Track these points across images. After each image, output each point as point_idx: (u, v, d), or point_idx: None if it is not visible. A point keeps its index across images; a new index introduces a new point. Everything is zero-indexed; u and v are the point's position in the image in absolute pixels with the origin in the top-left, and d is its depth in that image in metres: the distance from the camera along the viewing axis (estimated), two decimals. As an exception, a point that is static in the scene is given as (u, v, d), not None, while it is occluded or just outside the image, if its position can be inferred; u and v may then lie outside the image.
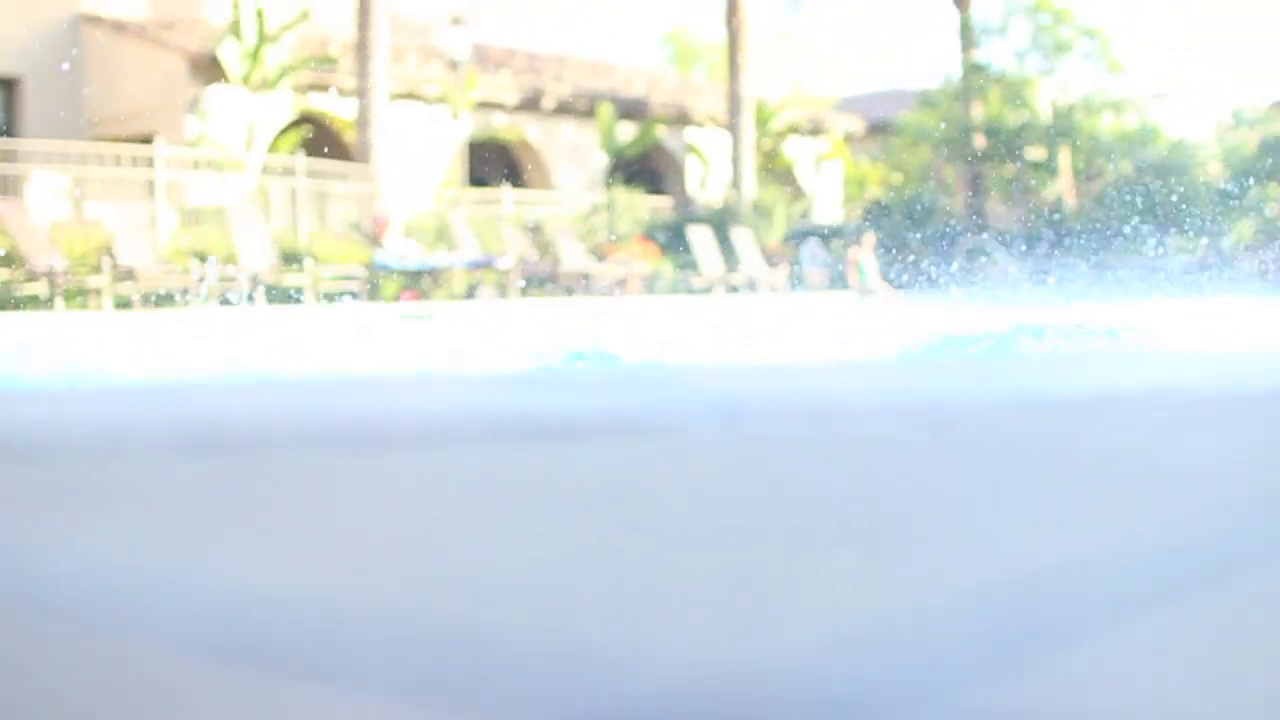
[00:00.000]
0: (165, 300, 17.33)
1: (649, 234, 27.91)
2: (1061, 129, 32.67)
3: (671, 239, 27.65)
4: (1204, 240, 28.74)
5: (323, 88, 27.39)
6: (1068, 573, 0.96)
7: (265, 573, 0.87)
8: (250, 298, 17.83)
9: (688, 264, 25.52)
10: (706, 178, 35.09)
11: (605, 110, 32.05)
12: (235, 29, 24.71)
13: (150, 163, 21.64)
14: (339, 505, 0.91)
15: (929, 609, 0.91)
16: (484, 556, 0.89)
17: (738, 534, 0.95)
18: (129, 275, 16.98)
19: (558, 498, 0.94)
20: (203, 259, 18.46)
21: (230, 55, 24.65)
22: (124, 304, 16.95)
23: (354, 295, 19.20)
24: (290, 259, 19.46)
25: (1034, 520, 1.01)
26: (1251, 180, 29.28)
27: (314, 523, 0.90)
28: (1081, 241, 30.86)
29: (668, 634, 0.86)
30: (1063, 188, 34.25)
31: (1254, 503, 1.06)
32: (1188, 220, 29.90)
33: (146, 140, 22.87)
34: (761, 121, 34.65)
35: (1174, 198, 30.28)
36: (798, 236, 29.95)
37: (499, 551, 0.90)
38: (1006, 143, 33.14)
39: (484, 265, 21.17)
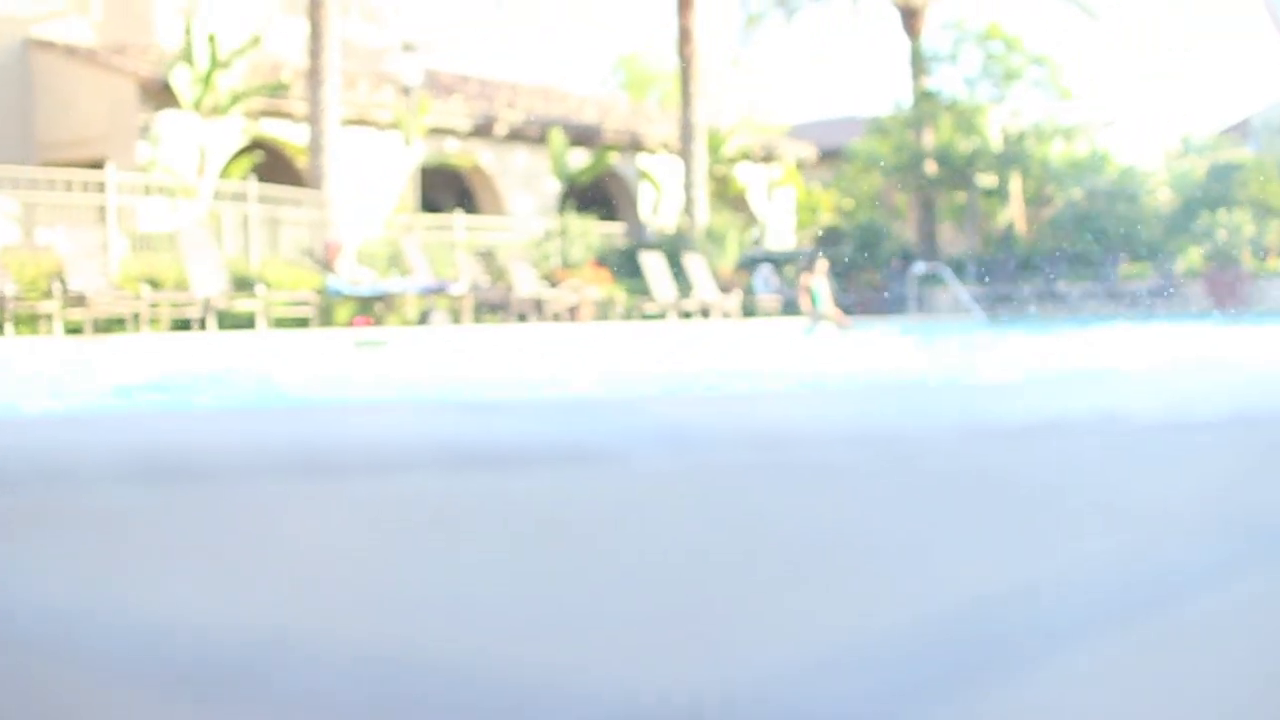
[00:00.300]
0: (117, 326, 17.25)
1: (601, 260, 27.93)
2: (1012, 156, 32.83)
3: (624, 265, 27.67)
4: (1154, 266, 28.90)
5: (275, 113, 27.35)
6: (1020, 599, 0.96)
7: (215, 601, 0.87)
8: (202, 324, 17.77)
9: (640, 290, 25.54)
10: (659, 204, 35.12)
11: (557, 136, 32.05)
12: (187, 54, 24.63)
13: (101, 188, 21.53)
14: (288, 533, 0.91)
15: (879, 636, 0.91)
16: (434, 585, 0.89)
17: (687, 562, 0.95)
18: (80, 301, 16.89)
19: (507, 526, 0.94)
20: (154, 285, 18.39)
21: (182, 80, 24.57)
22: (75, 330, 16.85)
23: (306, 321, 19.16)
24: (242, 285, 19.39)
25: (985, 547, 1.02)
26: (1201, 206, 29.46)
27: (263, 551, 0.90)
28: (1032, 267, 31.00)
29: (617, 663, 0.86)
30: (1013, 214, 34.40)
31: (1204, 528, 1.07)
32: (1138, 246, 30.07)
33: (98, 165, 22.77)
34: (714, 148, 34.72)
35: (1124, 224, 30.47)
36: (750, 262, 30.01)
37: (449, 580, 0.90)
38: (958, 169, 33.28)
39: (437, 291, 21.14)
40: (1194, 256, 28.51)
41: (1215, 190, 29.92)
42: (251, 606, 0.87)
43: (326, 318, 19.82)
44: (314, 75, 23.90)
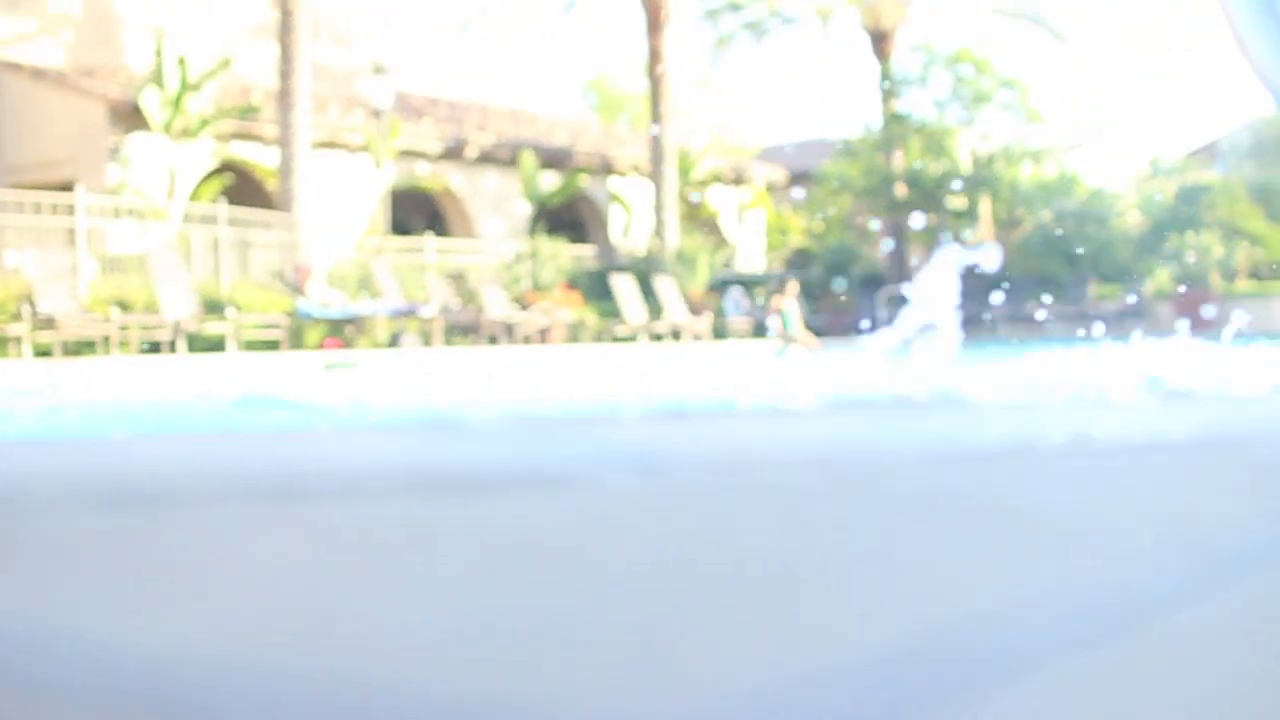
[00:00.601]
0: (86, 349, 17.20)
1: (572, 282, 27.95)
2: (981, 178, 32.89)
3: (595, 287, 27.69)
4: (1123, 287, 29.00)
5: (245, 136, 27.29)
6: (987, 622, 0.97)
7: (182, 627, 0.87)
8: (173, 346, 17.73)
9: (611, 312, 25.55)
10: (630, 226, 35.13)
11: (528, 159, 32.06)
12: (157, 77, 24.58)
13: (71, 210, 21.48)
14: (254, 559, 0.91)
15: (848, 658, 0.91)
16: (405, 609, 0.89)
17: (658, 585, 0.95)
18: (49, 324, 16.83)
19: (478, 550, 0.94)
20: (124, 307, 18.35)
21: (151, 103, 24.51)
22: (44, 352, 16.80)
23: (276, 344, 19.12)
24: (212, 308, 19.35)
25: (953, 569, 1.02)
26: (1169, 228, 29.58)
27: (231, 577, 0.90)
28: (1002, 289, 31.08)
29: (588, 685, 0.86)
30: (983, 236, 34.47)
31: (1168, 550, 1.07)
32: (1108, 268, 30.18)
33: (67, 188, 22.70)
34: (684, 170, 34.75)
35: (1093, 246, 30.57)
36: (721, 285, 30.03)
37: (420, 604, 0.90)
38: (927, 192, 33.34)
39: (407, 313, 21.11)
40: (1163, 278, 28.61)
41: (1184, 212, 30.04)
42: (219, 632, 0.87)
43: (297, 340, 19.78)
44: (284, 98, 23.88)
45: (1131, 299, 28.20)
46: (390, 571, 0.91)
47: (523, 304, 24.96)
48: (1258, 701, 0.98)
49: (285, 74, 23.87)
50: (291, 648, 0.86)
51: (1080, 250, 30.61)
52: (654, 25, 30.40)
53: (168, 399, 11.20)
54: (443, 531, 0.95)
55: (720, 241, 36.80)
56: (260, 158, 27.49)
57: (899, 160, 33.90)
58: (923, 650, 0.92)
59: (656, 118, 30.38)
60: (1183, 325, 26.95)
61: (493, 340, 22.64)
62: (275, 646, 0.86)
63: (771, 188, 39.80)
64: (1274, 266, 29.57)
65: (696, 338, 25.29)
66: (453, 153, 31.64)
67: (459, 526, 0.95)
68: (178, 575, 0.89)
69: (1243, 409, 1.63)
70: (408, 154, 30.34)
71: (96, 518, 0.91)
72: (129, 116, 25.19)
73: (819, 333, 26.66)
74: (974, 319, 29.42)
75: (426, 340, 21.30)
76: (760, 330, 26.22)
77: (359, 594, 0.90)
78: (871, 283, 32.05)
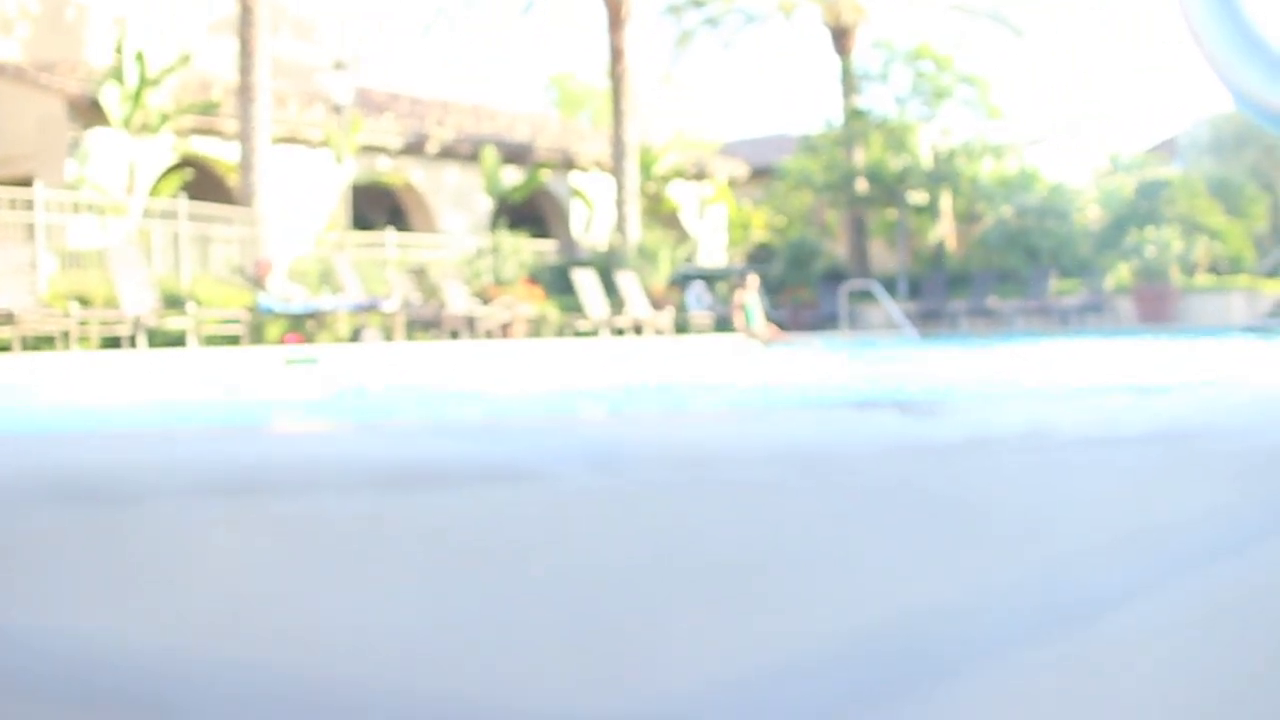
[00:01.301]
0: (45, 344, 17.12)
1: (534, 277, 27.95)
2: (942, 173, 33.01)
3: (556, 282, 27.71)
4: (1084, 282, 29.14)
5: (205, 131, 27.22)
6: (945, 616, 0.97)
7: (129, 624, 0.86)
8: (133, 342, 17.67)
9: (573, 307, 25.57)
10: (591, 221, 35.14)
11: (489, 154, 32.04)
12: (116, 72, 24.48)
13: (29, 205, 21.38)
14: (209, 556, 0.90)
15: (806, 653, 0.92)
16: (358, 607, 0.89)
17: (616, 581, 0.95)
18: (8, 319, 16.74)
19: (433, 546, 0.94)
20: (84, 303, 18.28)
21: (111, 98, 24.41)
22: (3, 348, 16.71)
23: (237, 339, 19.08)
24: (173, 303, 19.30)
25: (911, 564, 1.03)
26: (1129, 223, 29.71)
27: (183, 573, 0.89)
28: (963, 283, 31.21)
29: (545, 684, 0.86)
30: (944, 231, 34.59)
31: (1125, 544, 1.08)
32: (1068, 262, 30.32)
33: (26, 183, 22.61)
34: (646, 165, 34.79)
35: (1054, 241, 30.70)
36: (683, 279, 30.09)
37: (374, 602, 0.90)
38: (888, 187, 33.44)
39: (368, 308, 21.08)
40: (1123, 273, 28.74)
41: (1143, 207, 30.18)
42: (173, 630, 0.86)
43: (257, 335, 19.73)
44: (244, 93, 23.82)
45: (1092, 293, 28.32)
46: (347, 567, 0.91)
47: (484, 299, 24.95)
48: (1212, 695, 0.99)
49: (245, 69, 23.81)
50: (247, 644, 0.86)
51: (1041, 245, 30.74)
52: (615, 22, 30.41)
53: (127, 394, 11.16)
54: (400, 527, 0.94)
55: (682, 236, 36.84)
56: (221, 153, 27.41)
57: (860, 156, 33.99)
58: (881, 644, 0.93)
59: (618, 113, 30.39)
60: (1142, 319, 27.14)
61: (454, 335, 22.63)
62: (230, 643, 0.86)
63: (733, 183, 39.84)
64: (1232, 261, 29.74)
65: (658, 332, 25.32)
66: (414, 148, 31.60)
67: (416, 522, 0.95)
68: (131, 572, 0.88)
69: (1200, 402, 1.64)
70: (369, 149, 30.30)
71: (49, 513, 0.90)
72: (88, 111, 25.09)
73: (780, 327, 26.72)
74: (935, 313, 29.55)
75: (388, 335, 21.27)
76: (723, 325, 26.27)
77: (314, 589, 0.90)
78: (833, 278, 32.14)
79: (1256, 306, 27.30)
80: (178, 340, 18.35)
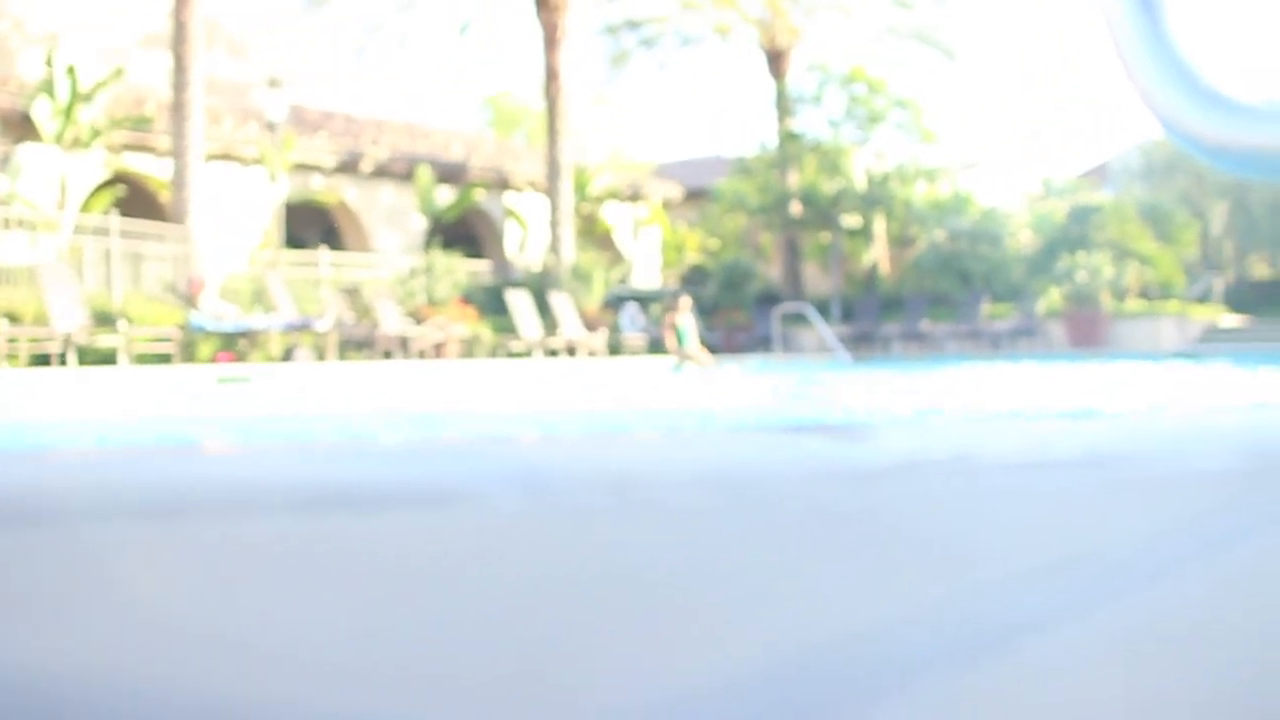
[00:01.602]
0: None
1: (467, 297, 27.92)
2: (876, 197, 33.15)
3: (490, 302, 27.69)
4: (1016, 306, 29.30)
5: (138, 147, 27.09)
6: (869, 640, 0.97)
7: (51, 648, 0.86)
8: (63, 359, 17.55)
9: (506, 328, 25.55)
10: (525, 241, 35.15)
11: (424, 173, 32.01)
12: (48, 86, 24.33)
13: (-41, 221, 21.25)
14: (133, 578, 0.90)
15: (730, 677, 0.92)
16: (284, 630, 0.89)
17: (544, 603, 0.95)
18: (-65, 336, 16.64)
19: (361, 569, 0.93)
20: (13, 319, 18.15)
21: (42, 113, 24.26)
22: (-70, 365, 16.59)
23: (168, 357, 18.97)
24: (104, 320, 19.18)
25: (837, 588, 1.03)
26: (1061, 248, 29.91)
27: (110, 596, 0.89)
28: (896, 307, 31.35)
29: (469, 706, 0.86)
30: (878, 254, 34.75)
31: (1051, 568, 1.08)
32: (1000, 286, 30.50)
33: (-45, 198, 22.47)
34: (580, 186, 34.85)
35: (986, 265, 30.89)
36: (616, 301, 30.11)
37: (302, 627, 0.89)
38: (822, 209, 33.56)
39: (301, 327, 21.00)
40: (1055, 297, 28.92)
41: (1075, 232, 30.39)
42: (95, 654, 0.86)
43: (189, 354, 19.64)
44: (177, 109, 23.72)
45: (1024, 317, 28.48)
46: (276, 589, 0.91)
47: (418, 319, 24.90)
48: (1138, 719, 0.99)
49: (179, 85, 23.71)
50: (176, 666, 0.85)
51: (974, 269, 30.92)
52: (550, 41, 30.43)
53: (56, 412, 11.08)
54: (329, 549, 0.94)
55: (616, 257, 36.91)
56: (153, 169, 27.29)
57: (794, 178, 34.12)
58: (807, 667, 0.93)
59: (553, 133, 30.40)
60: (1073, 343, 27.32)
61: (387, 355, 22.57)
62: (159, 665, 0.85)
63: (668, 204, 39.94)
64: (1162, 286, 29.97)
65: (591, 354, 25.32)
66: (348, 166, 31.55)
67: (346, 544, 0.95)
68: (52, 595, 0.88)
69: (1129, 427, 1.65)
70: (302, 167, 30.23)
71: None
72: (19, 126, 24.94)
73: (714, 349, 26.76)
74: (868, 336, 29.67)
75: (320, 355, 21.20)
76: (656, 346, 26.29)
77: (242, 612, 0.89)
78: (767, 300, 32.23)
79: (1186, 332, 27.51)
80: (109, 358, 18.24)
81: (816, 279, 36.77)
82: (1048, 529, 1.13)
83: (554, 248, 30.16)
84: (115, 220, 23.27)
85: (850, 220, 33.96)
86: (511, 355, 24.49)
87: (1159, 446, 1.41)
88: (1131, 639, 1.03)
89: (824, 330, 27.54)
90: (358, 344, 22.43)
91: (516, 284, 28.96)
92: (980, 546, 1.09)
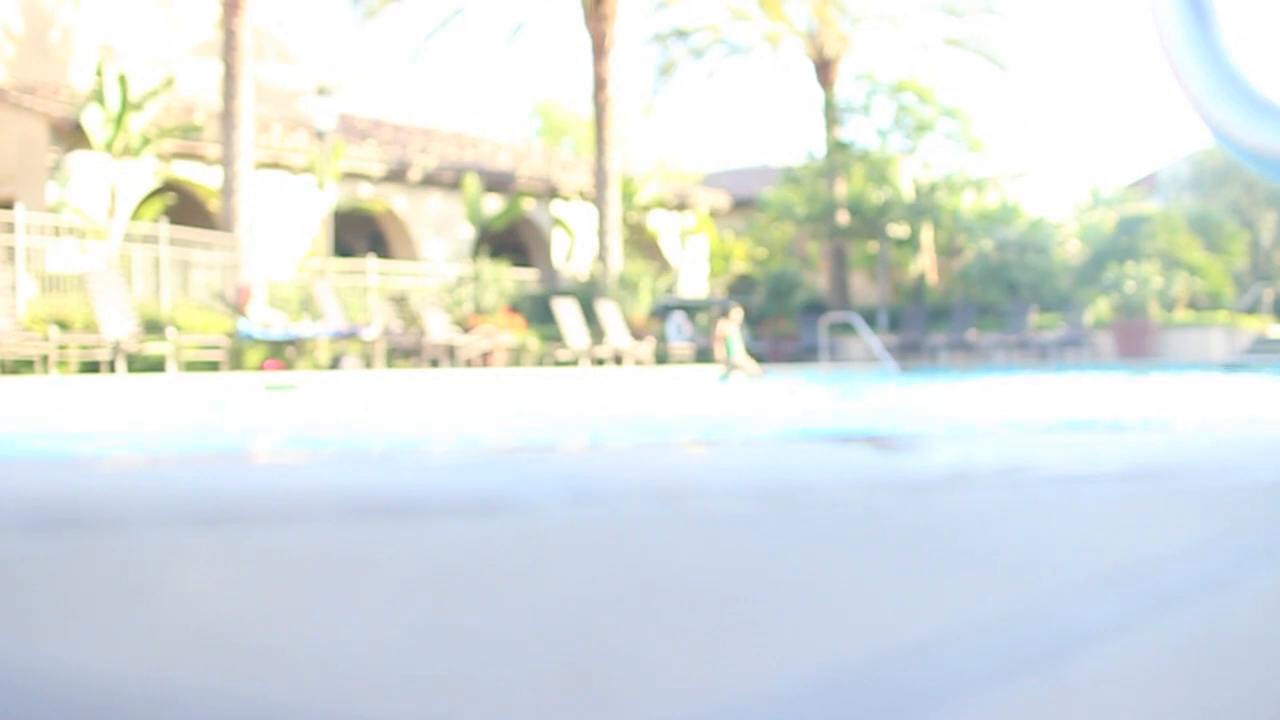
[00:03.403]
0: (24, 368, 17.07)
1: (515, 306, 27.95)
2: (923, 206, 33.05)
3: (537, 311, 27.71)
4: (1064, 316, 29.17)
5: (187, 155, 27.18)
6: (920, 651, 0.97)
7: (108, 656, 0.86)
8: (112, 366, 17.62)
9: (553, 336, 25.57)
10: (573, 250, 35.15)
11: (472, 182, 32.03)
12: (99, 95, 24.43)
13: (10, 228, 21.33)
14: (185, 585, 0.90)
15: (780, 689, 0.91)
16: (338, 639, 0.89)
17: (593, 614, 0.95)
18: (-13, 342, 16.72)
19: (414, 578, 0.93)
20: (63, 326, 18.23)
21: (93, 121, 24.36)
22: (-18, 371, 16.68)
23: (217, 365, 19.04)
24: (153, 327, 19.26)
25: (888, 599, 1.02)
26: (1109, 258, 29.78)
27: (160, 603, 0.89)
28: (943, 317, 31.25)
29: (517, 714, 0.86)
30: (925, 264, 34.65)
31: (1102, 581, 1.08)
32: (1048, 297, 30.36)
33: (7, 206, 22.58)
34: (628, 195, 34.82)
35: (1034, 275, 30.76)
36: (663, 310, 30.07)
37: (353, 634, 0.89)
38: (869, 219, 33.48)
39: (349, 335, 21.06)
40: (1103, 307, 28.78)
41: (1123, 242, 30.26)
42: (146, 662, 0.86)
43: (237, 361, 19.71)
44: (227, 118, 23.80)
45: (1071, 328, 28.36)
46: (326, 595, 0.91)
47: (465, 327, 24.94)
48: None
49: (228, 94, 23.79)
50: (226, 671, 0.85)
51: (1021, 279, 30.80)
52: (599, 50, 30.43)
53: (106, 419, 11.13)
54: (378, 557, 0.94)
55: (663, 266, 36.89)
56: (202, 177, 27.39)
57: (841, 188, 34.04)
58: (857, 677, 0.92)
59: (600, 142, 30.39)
60: (1121, 354, 27.18)
61: (434, 363, 22.60)
62: (209, 670, 0.85)
63: (715, 213, 39.89)
64: (1211, 297, 29.82)
65: (638, 363, 25.31)
66: (396, 175, 31.60)
67: (395, 552, 0.95)
68: (108, 601, 0.88)
69: (1178, 439, 1.64)
70: (351, 175, 30.30)
71: (22, 541, 0.90)
72: (70, 134, 25.06)
73: (760, 359, 26.73)
74: (915, 346, 29.58)
75: (368, 363, 21.25)
76: (703, 356, 26.27)
77: (293, 620, 0.90)
78: (814, 309, 32.17)
79: (1235, 342, 27.37)
80: (157, 365, 18.31)
81: (864, 288, 36.70)
82: (1097, 541, 1.13)
83: (601, 256, 30.14)
84: (164, 228, 23.36)
85: (897, 230, 33.86)
86: (558, 364, 24.51)
87: (1207, 458, 1.40)
88: (1185, 650, 1.02)
89: (871, 340, 27.48)
90: (405, 352, 22.47)
91: (564, 293, 28.97)
92: (1031, 557, 1.08)
